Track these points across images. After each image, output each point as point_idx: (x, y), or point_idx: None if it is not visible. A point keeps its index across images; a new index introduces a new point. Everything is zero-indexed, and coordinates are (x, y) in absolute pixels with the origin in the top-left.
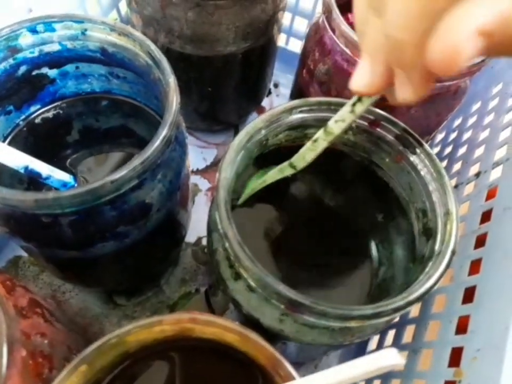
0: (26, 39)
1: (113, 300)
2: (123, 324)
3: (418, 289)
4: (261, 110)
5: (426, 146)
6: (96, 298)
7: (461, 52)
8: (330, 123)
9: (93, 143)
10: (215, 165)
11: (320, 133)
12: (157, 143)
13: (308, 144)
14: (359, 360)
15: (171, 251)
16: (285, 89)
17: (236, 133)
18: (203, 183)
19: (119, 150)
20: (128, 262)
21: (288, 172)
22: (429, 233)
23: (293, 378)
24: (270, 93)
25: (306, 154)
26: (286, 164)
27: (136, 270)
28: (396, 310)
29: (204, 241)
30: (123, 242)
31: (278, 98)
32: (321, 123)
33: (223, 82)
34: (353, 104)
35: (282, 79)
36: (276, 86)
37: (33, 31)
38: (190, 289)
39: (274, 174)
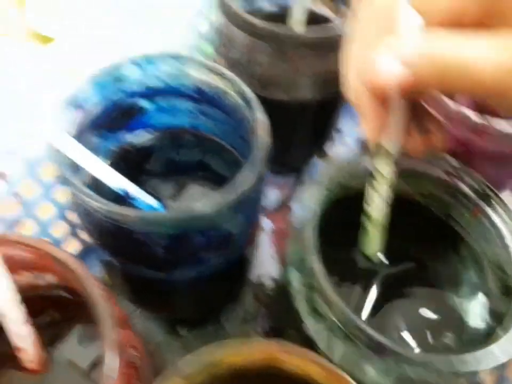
0: (130, 72)
1: (175, 330)
2: (182, 354)
3: None
4: (323, 155)
5: (502, 198)
6: (158, 327)
7: (379, 70)
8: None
9: (171, 174)
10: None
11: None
12: (254, 180)
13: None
14: None
15: (238, 286)
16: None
17: (298, 175)
18: (265, 223)
19: (194, 182)
20: (201, 291)
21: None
22: (510, 291)
23: None
24: None
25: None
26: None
27: (205, 300)
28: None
29: (265, 281)
30: (201, 269)
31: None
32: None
33: (294, 127)
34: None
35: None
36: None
37: (138, 65)
38: (249, 329)
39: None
